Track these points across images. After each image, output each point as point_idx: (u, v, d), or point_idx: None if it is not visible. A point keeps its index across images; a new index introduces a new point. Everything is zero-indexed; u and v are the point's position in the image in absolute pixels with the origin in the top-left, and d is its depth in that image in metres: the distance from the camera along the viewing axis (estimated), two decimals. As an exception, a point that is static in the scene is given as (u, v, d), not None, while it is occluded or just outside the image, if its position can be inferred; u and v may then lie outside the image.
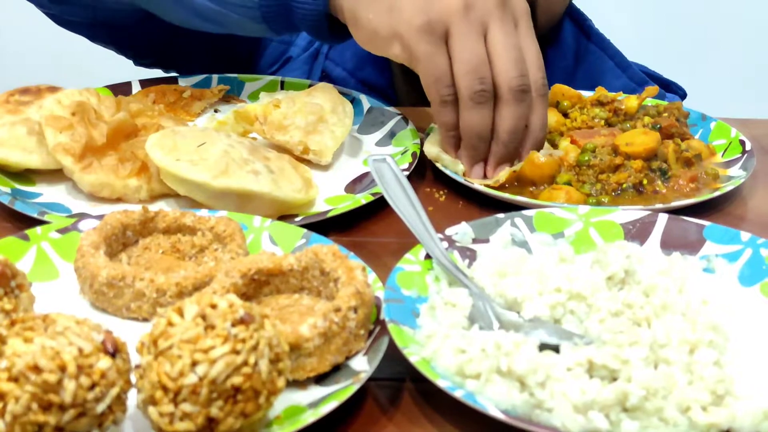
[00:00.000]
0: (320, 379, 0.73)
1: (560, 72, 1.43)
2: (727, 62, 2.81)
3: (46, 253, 0.86)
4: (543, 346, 0.72)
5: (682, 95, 1.49)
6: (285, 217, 0.95)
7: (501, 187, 1.02)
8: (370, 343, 0.75)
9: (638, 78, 1.45)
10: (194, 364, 0.61)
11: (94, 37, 1.35)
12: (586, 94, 1.19)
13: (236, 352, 0.61)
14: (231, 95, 1.26)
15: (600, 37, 1.49)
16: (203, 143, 0.97)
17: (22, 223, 0.94)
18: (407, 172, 1.02)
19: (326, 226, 0.95)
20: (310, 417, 0.66)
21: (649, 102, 1.19)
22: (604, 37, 1.50)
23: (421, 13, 0.96)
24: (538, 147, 1.03)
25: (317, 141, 1.08)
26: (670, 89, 1.47)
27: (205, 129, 1.03)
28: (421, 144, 1.10)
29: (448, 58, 0.97)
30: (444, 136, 1.03)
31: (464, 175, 1.03)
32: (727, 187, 1.02)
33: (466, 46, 0.96)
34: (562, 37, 1.47)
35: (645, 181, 1.03)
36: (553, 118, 1.16)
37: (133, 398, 0.64)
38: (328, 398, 0.69)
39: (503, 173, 1.02)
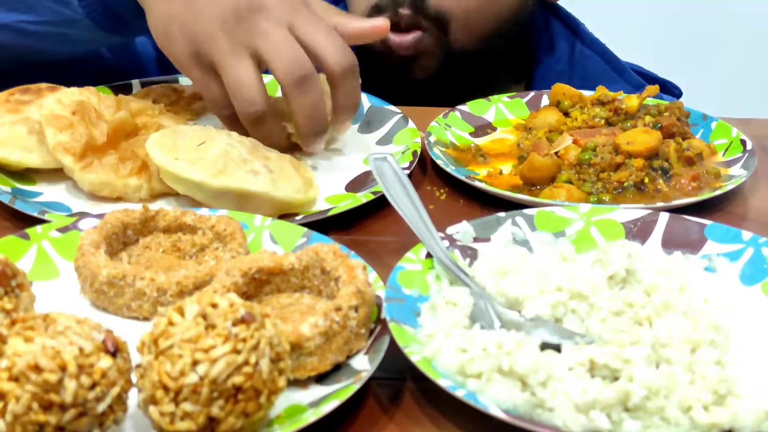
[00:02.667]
0: (321, 378, 0.73)
1: (556, 77, 1.43)
2: (727, 62, 2.81)
3: (46, 252, 0.86)
4: (544, 346, 0.72)
5: (678, 94, 1.49)
6: (286, 215, 0.95)
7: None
8: (371, 342, 0.75)
9: (635, 81, 1.45)
10: (195, 363, 0.61)
11: None
12: (587, 93, 1.19)
13: (237, 352, 0.61)
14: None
15: (594, 41, 1.50)
16: (203, 142, 0.97)
17: (23, 222, 0.93)
18: (408, 171, 1.02)
19: (327, 225, 0.95)
20: (311, 416, 0.66)
21: (650, 101, 1.19)
22: (598, 41, 1.50)
23: (188, 44, 0.99)
24: (348, 117, 1.06)
25: None
26: (666, 88, 1.47)
27: (206, 128, 1.03)
28: (422, 143, 1.10)
29: (219, 83, 1.00)
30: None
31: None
32: (729, 186, 1.02)
33: (233, 75, 0.98)
34: (555, 42, 1.48)
35: (646, 180, 1.03)
36: (554, 117, 1.16)
37: (133, 398, 0.64)
38: (329, 397, 0.69)
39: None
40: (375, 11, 1.34)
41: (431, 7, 1.32)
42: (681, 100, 1.21)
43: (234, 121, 1.03)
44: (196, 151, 0.96)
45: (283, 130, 1.06)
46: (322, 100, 1.01)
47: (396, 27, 1.33)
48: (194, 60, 1.00)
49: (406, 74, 1.39)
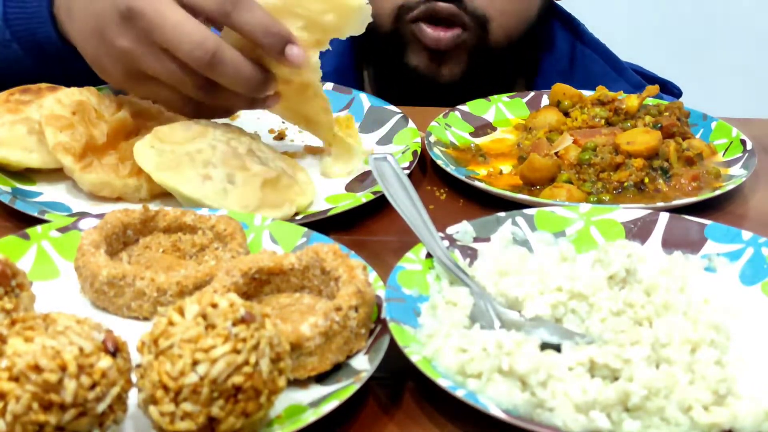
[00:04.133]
0: (321, 378, 0.73)
1: (556, 77, 1.43)
2: (727, 62, 2.81)
3: (46, 252, 0.86)
4: (544, 346, 0.72)
5: (678, 94, 1.50)
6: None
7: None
8: (371, 342, 0.75)
9: (635, 81, 1.46)
10: (195, 363, 0.61)
11: None
12: (587, 93, 1.19)
13: (237, 352, 0.61)
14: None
15: (594, 41, 1.50)
16: (195, 137, 0.98)
17: (23, 222, 0.93)
18: (408, 171, 1.02)
19: (327, 225, 0.94)
20: (311, 416, 0.66)
21: (650, 101, 1.19)
22: (598, 41, 1.50)
23: (113, 66, 0.99)
24: (277, 43, 0.96)
25: None
26: (666, 88, 1.47)
27: (208, 126, 1.02)
28: (422, 143, 1.10)
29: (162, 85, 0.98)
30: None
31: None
32: (729, 186, 1.02)
33: (166, 41, 0.94)
34: (555, 42, 1.48)
35: (646, 180, 1.03)
36: (554, 117, 1.16)
37: (133, 398, 0.64)
38: (329, 397, 0.69)
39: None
40: (403, 11, 1.34)
41: (468, 5, 1.32)
42: (681, 100, 1.21)
43: (197, 108, 1.01)
44: (177, 143, 0.96)
45: (248, 66, 0.97)
46: (239, 66, 0.95)
47: (432, 21, 1.33)
48: (129, 77, 0.99)
49: (430, 74, 1.38)
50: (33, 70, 1.13)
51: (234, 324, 0.62)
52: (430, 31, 1.33)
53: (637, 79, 1.46)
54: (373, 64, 1.49)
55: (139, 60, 0.96)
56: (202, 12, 0.95)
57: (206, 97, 0.99)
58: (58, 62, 1.12)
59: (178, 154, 0.96)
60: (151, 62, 0.96)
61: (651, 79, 1.50)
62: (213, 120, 1.04)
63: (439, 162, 1.06)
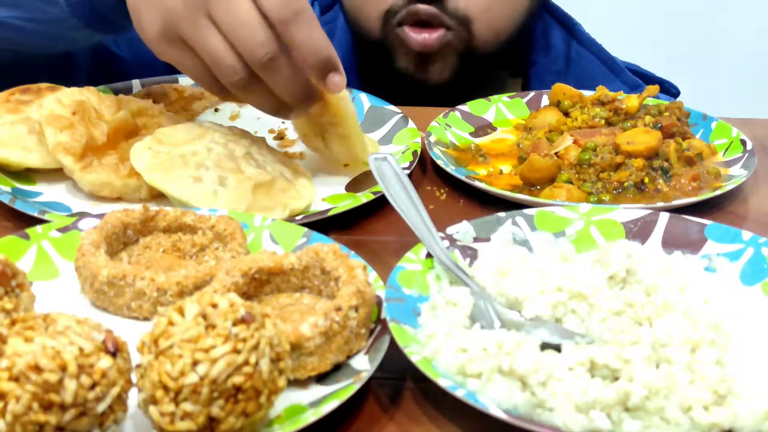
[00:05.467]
0: (321, 378, 0.73)
1: (552, 77, 1.44)
2: (727, 62, 2.81)
3: (46, 252, 0.86)
4: (544, 346, 0.72)
5: (676, 93, 1.50)
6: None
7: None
8: (371, 342, 0.75)
9: (631, 82, 1.46)
10: (195, 363, 0.61)
11: None
12: (587, 93, 1.19)
13: (237, 352, 0.61)
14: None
15: (590, 41, 1.50)
16: (194, 139, 0.97)
17: (23, 222, 0.93)
18: (408, 171, 1.02)
19: (327, 225, 0.95)
20: (311, 416, 0.66)
21: (650, 101, 1.19)
22: (594, 41, 1.50)
23: (157, 21, 0.95)
24: (325, 66, 0.95)
25: None
26: (663, 87, 1.47)
27: (206, 126, 1.02)
28: (422, 143, 1.10)
29: (192, 56, 0.95)
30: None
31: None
32: (729, 186, 1.02)
33: (205, 48, 0.93)
34: (551, 42, 1.48)
35: (646, 180, 1.03)
36: (554, 117, 1.16)
37: (133, 398, 0.64)
38: (329, 397, 0.69)
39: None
40: (389, 15, 1.34)
41: (450, 6, 1.32)
42: (679, 99, 1.21)
43: (221, 89, 0.98)
44: (174, 145, 0.96)
45: (272, 95, 0.98)
46: (292, 76, 0.94)
47: (416, 24, 1.33)
48: (164, 37, 0.95)
49: (419, 77, 1.38)
50: (73, 32, 1.10)
51: (234, 324, 0.62)
52: (414, 35, 1.33)
53: (634, 80, 1.46)
54: (362, 70, 1.48)
55: (183, 24, 0.93)
56: (265, 11, 0.92)
57: (239, 91, 0.96)
58: (105, 23, 1.09)
59: (173, 155, 0.96)
60: (194, 31, 0.93)
61: (648, 78, 1.50)
62: (216, 123, 1.04)
63: (439, 162, 1.06)
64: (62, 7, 1.06)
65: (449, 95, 1.31)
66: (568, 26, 1.50)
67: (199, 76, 0.97)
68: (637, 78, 1.47)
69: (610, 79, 1.46)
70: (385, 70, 1.39)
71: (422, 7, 1.32)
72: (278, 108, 0.99)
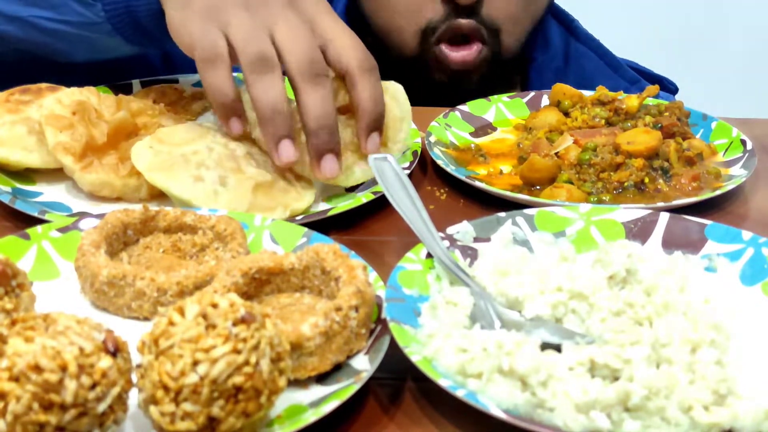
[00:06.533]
0: (321, 378, 0.73)
1: (551, 74, 1.43)
2: (727, 62, 2.81)
3: (46, 252, 0.86)
4: (544, 346, 0.72)
5: (674, 90, 1.50)
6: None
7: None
8: (371, 342, 0.75)
9: (630, 77, 1.46)
10: (195, 363, 0.61)
11: None
12: (587, 93, 1.20)
13: (237, 352, 0.61)
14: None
15: (588, 37, 1.50)
16: (195, 139, 0.97)
17: (23, 222, 0.93)
18: (408, 171, 1.02)
19: (327, 225, 0.95)
20: (311, 416, 0.66)
21: (650, 101, 1.19)
22: (592, 37, 1.50)
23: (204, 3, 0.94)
24: (375, 126, 0.97)
25: None
26: (662, 84, 1.47)
27: (207, 127, 1.02)
28: (422, 143, 1.10)
29: (225, 41, 0.94)
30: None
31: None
32: (729, 186, 1.02)
33: (248, 39, 0.92)
34: (549, 39, 1.48)
35: (646, 180, 1.03)
36: (554, 117, 1.16)
37: (134, 398, 0.64)
38: (329, 397, 0.69)
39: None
40: (428, 32, 1.33)
41: (485, 16, 1.32)
42: (678, 98, 1.21)
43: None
44: (175, 144, 0.96)
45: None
46: (331, 103, 0.94)
47: (452, 40, 1.33)
48: (207, 14, 0.94)
49: (453, 87, 1.37)
50: (105, 39, 1.08)
51: (234, 324, 0.62)
52: (453, 54, 1.33)
53: (632, 74, 1.46)
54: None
55: (227, 15, 0.92)
56: (285, 65, 0.93)
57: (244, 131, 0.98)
58: (142, 33, 1.06)
59: (174, 155, 0.96)
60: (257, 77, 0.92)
61: (646, 74, 1.50)
62: (216, 123, 1.04)
63: (439, 162, 1.06)
64: (98, 11, 1.04)
65: (451, 95, 1.31)
66: (567, 23, 1.50)
67: (217, 58, 0.94)
68: (635, 74, 1.47)
69: (608, 74, 1.45)
70: (418, 82, 1.33)
71: (464, 21, 1.31)
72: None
